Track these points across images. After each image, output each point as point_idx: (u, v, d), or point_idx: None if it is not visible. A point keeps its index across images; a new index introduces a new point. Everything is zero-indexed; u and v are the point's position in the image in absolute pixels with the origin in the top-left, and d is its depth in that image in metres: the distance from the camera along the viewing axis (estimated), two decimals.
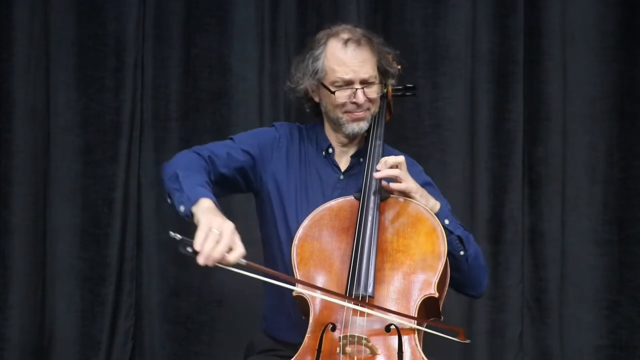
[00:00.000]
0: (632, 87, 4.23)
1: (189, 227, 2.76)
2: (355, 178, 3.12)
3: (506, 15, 4.29)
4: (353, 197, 2.96)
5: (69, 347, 4.33)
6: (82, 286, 4.34)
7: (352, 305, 2.74)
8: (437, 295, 2.79)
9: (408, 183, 2.94)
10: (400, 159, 2.96)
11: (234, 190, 3.12)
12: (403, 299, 2.79)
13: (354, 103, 3.06)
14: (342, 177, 3.15)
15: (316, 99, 3.15)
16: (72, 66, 4.35)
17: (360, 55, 3.05)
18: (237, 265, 2.62)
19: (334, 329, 2.77)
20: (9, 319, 4.23)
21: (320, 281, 2.85)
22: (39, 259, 4.30)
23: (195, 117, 4.38)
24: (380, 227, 2.87)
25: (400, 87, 3.23)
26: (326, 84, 3.07)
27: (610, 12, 4.25)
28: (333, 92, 3.05)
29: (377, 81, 3.08)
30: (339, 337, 2.71)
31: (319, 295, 2.77)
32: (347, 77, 3.04)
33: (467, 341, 2.86)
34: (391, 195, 2.95)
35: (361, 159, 3.13)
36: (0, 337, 4.23)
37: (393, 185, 2.93)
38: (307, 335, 2.79)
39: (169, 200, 2.85)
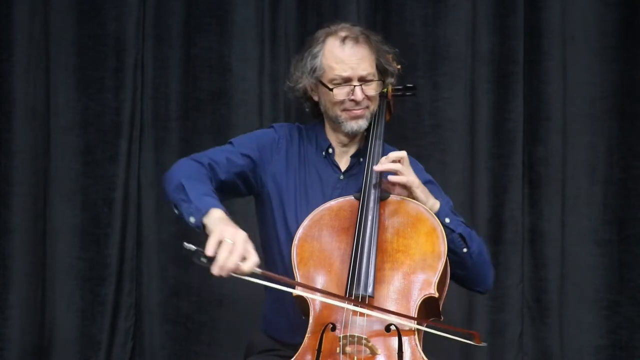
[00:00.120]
0: (632, 87, 4.23)
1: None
2: (355, 178, 3.11)
3: (506, 15, 4.29)
4: (353, 197, 2.96)
5: (69, 347, 4.34)
6: (82, 286, 4.34)
7: (358, 309, 2.73)
8: (437, 295, 2.79)
9: (409, 176, 2.93)
10: (403, 153, 2.97)
11: (235, 195, 3.12)
12: (403, 298, 2.79)
13: (352, 100, 3.06)
14: (342, 177, 3.14)
15: (315, 98, 3.15)
16: (72, 66, 4.35)
17: (359, 53, 3.05)
18: (252, 274, 2.64)
19: (334, 329, 2.77)
20: (9, 319, 4.24)
21: (320, 281, 2.85)
22: (39, 259, 4.30)
23: (195, 117, 4.38)
24: (380, 227, 2.87)
25: (400, 87, 3.22)
26: (324, 81, 3.07)
27: (610, 12, 4.25)
28: (331, 90, 3.05)
29: (375, 79, 3.07)
30: (339, 337, 2.71)
31: (329, 301, 2.76)
32: (345, 74, 3.04)
33: (483, 344, 2.85)
34: (391, 195, 2.95)
35: (361, 159, 3.12)
36: (0, 337, 4.23)
37: (394, 178, 2.92)
38: (307, 335, 2.79)
39: (176, 211, 2.84)
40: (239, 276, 2.64)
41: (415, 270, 2.82)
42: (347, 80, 3.05)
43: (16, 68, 4.26)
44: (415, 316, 2.76)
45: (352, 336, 2.69)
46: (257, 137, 3.19)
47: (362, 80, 3.05)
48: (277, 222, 3.09)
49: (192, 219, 2.76)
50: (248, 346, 3.22)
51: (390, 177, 2.94)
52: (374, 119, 3.11)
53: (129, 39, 4.36)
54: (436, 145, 4.30)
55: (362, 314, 2.74)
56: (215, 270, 2.60)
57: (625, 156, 4.24)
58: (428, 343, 2.81)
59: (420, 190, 2.95)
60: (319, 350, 2.74)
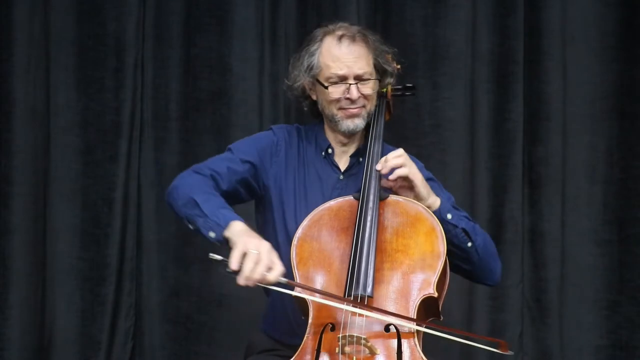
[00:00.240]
0: (632, 87, 4.23)
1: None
2: (355, 178, 3.11)
3: (506, 15, 4.29)
4: (352, 197, 2.96)
5: (69, 347, 4.34)
6: (82, 286, 4.34)
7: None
8: (436, 295, 2.79)
9: (411, 168, 2.94)
10: (400, 151, 2.97)
11: (237, 202, 3.09)
12: (402, 298, 2.79)
13: (348, 99, 3.05)
14: (341, 177, 3.14)
15: (314, 97, 3.15)
16: (72, 66, 4.35)
17: (355, 51, 3.05)
18: (277, 283, 2.68)
19: (333, 329, 2.76)
20: (9, 319, 4.24)
21: (319, 281, 2.84)
22: (39, 259, 4.30)
23: (195, 117, 4.38)
24: (379, 227, 2.87)
25: (399, 86, 3.22)
26: (321, 79, 3.07)
27: (610, 12, 4.25)
28: (326, 88, 3.05)
29: (372, 78, 3.07)
30: (338, 337, 2.71)
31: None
32: (340, 72, 3.04)
33: (510, 353, 2.84)
34: (390, 195, 2.95)
35: (360, 159, 3.12)
36: (0, 337, 4.23)
37: (397, 171, 2.92)
38: (306, 335, 2.78)
39: (190, 227, 2.86)
40: (265, 286, 2.70)
41: (415, 270, 2.82)
42: (343, 79, 3.05)
43: (16, 68, 4.26)
44: (415, 316, 2.76)
45: (351, 336, 2.69)
46: (255, 141, 3.18)
47: (359, 78, 3.05)
48: (277, 223, 3.09)
49: (212, 234, 2.78)
50: (248, 346, 3.22)
51: (395, 172, 2.93)
52: (373, 119, 3.10)
53: (129, 39, 4.36)
54: (436, 145, 4.30)
55: (361, 314, 2.74)
56: (242, 281, 2.65)
57: (625, 156, 4.24)
58: (428, 343, 2.81)
59: (422, 185, 2.95)
60: (318, 351, 2.74)
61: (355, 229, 2.86)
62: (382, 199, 2.92)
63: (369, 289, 2.76)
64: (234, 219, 2.78)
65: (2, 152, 4.25)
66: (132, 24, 4.36)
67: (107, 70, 4.36)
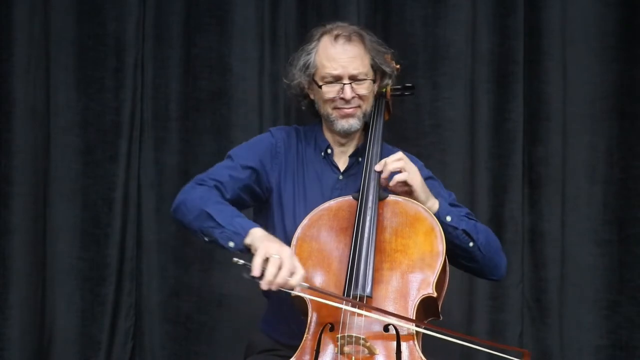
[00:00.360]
0: (632, 87, 4.23)
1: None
2: (355, 178, 3.10)
3: (506, 15, 4.29)
4: (351, 197, 2.95)
5: (69, 347, 4.34)
6: (82, 286, 4.35)
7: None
8: (435, 295, 2.79)
9: (410, 173, 2.93)
10: (400, 154, 2.97)
11: (242, 209, 3.09)
12: (401, 298, 2.79)
13: (342, 99, 3.05)
14: (341, 177, 3.14)
15: (311, 96, 3.15)
16: (72, 66, 4.35)
17: (350, 51, 3.05)
18: (299, 288, 2.71)
19: (332, 329, 2.77)
20: (9, 319, 4.24)
21: (318, 281, 2.84)
22: (39, 259, 4.30)
23: (195, 117, 4.38)
24: (378, 227, 2.87)
25: (399, 86, 3.22)
26: (316, 79, 3.07)
27: (610, 12, 4.25)
28: (320, 87, 3.05)
29: (368, 78, 3.06)
30: (337, 337, 2.71)
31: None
32: (335, 72, 3.04)
33: None
34: (390, 195, 2.95)
35: (360, 159, 3.12)
36: (0, 337, 4.23)
37: (396, 177, 2.92)
38: (305, 335, 2.79)
39: (205, 239, 2.87)
40: (287, 290, 2.72)
41: (414, 270, 2.82)
42: (337, 79, 3.04)
43: (16, 68, 4.26)
44: (414, 316, 2.76)
45: (350, 336, 2.69)
46: (254, 145, 3.17)
47: (353, 78, 3.04)
48: (276, 223, 3.09)
49: (231, 244, 2.80)
50: (248, 346, 3.22)
51: (394, 177, 2.93)
52: (372, 119, 3.10)
53: (129, 39, 4.37)
54: (436, 145, 4.30)
55: (359, 315, 2.74)
56: (264, 285, 2.67)
57: (625, 156, 4.24)
58: (427, 343, 2.81)
59: (421, 189, 2.95)
60: (317, 351, 2.74)
61: (354, 229, 2.86)
62: (381, 199, 2.92)
63: (368, 289, 2.76)
64: (252, 226, 2.80)
65: (2, 152, 4.25)
66: (132, 24, 4.36)
67: (107, 70, 4.36)
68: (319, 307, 2.79)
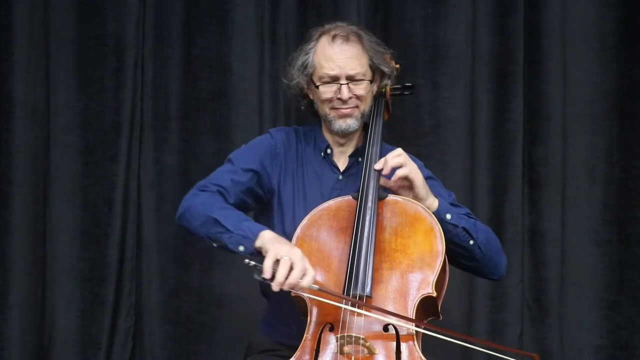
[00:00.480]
0: (632, 87, 4.23)
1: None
2: (354, 178, 3.10)
3: (506, 15, 4.29)
4: (351, 197, 2.95)
5: (69, 347, 4.34)
6: (82, 286, 4.35)
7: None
8: (435, 294, 2.79)
9: (412, 168, 2.93)
10: (399, 150, 2.97)
11: (244, 212, 3.09)
12: (401, 298, 2.79)
13: (340, 99, 3.05)
14: (340, 177, 3.14)
15: (311, 96, 3.15)
16: (72, 66, 4.35)
17: (348, 51, 3.04)
18: (309, 289, 2.71)
19: (332, 329, 2.77)
20: (9, 319, 4.24)
21: (318, 281, 2.85)
22: (39, 259, 4.30)
23: (195, 117, 4.38)
24: (378, 227, 2.87)
25: (398, 86, 3.22)
26: (314, 79, 3.07)
27: (610, 12, 4.25)
28: (317, 87, 3.06)
29: (366, 78, 3.06)
30: (337, 337, 2.71)
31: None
32: (332, 72, 3.04)
33: None
34: (389, 195, 2.95)
35: (359, 159, 3.12)
36: (0, 337, 4.23)
37: (398, 171, 2.92)
38: (305, 335, 2.79)
39: (214, 245, 2.87)
40: (297, 292, 2.73)
41: (413, 269, 2.82)
42: (335, 79, 3.04)
43: (16, 68, 4.26)
44: (414, 316, 2.76)
45: (350, 336, 2.69)
46: (254, 147, 3.17)
47: (351, 79, 3.04)
48: (275, 224, 3.08)
49: (241, 248, 2.79)
50: (248, 346, 3.22)
51: (395, 173, 2.93)
52: (371, 119, 3.10)
53: (129, 39, 4.37)
54: (436, 145, 4.30)
55: (359, 314, 2.74)
56: (276, 287, 2.68)
57: (625, 156, 4.24)
58: (427, 343, 2.81)
59: (422, 185, 2.95)
60: (317, 351, 2.74)
61: (354, 228, 2.86)
62: (381, 198, 2.92)
63: (367, 289, 2.76)
64: (261, 228, 2.81)
65: (2, 152, 4.26)
66: (132, 24, 4.37)
67: (107, 70, 4.36)
68: (319, 306, 2.79)
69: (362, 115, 3.09)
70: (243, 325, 4.09)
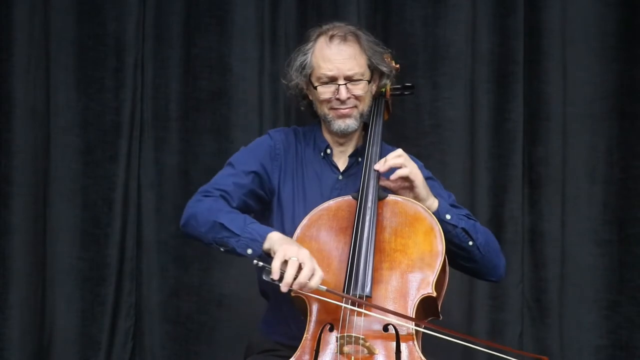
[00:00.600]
0: (632, 87, 4.23)
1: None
2: (354, 178, 3.10)
3: (506, 15, 4.29)
4: (351, 197, 2.95)
5: (69, 347, 4.34)
6: (82, 286, 4.35)
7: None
8: (434, 294, 2.79)
9: (412, 169, 2.93)
10: (400, 151, 2.97)
11: (247, 214, 3.09)
12: (401, 298, 2.78)
13: (338, 99, 3.05)
14: (340, 177, 3.14)
15: (310, 97, 3.15)
16: (72, 66, 4.35)
17: (345, 52, 3.04)
18: (317, 290, 2.71)
19: (332, 329, 2.77)
20: (9, 319, 4.24)
21: None
22: (39, 259, 4.30)
23: (195, 117, 4.38)
24: (378, 227, 2.87)
25: (398, 86, 3.22)
26: (312, 79, 3.08)
27: (610, 12, 4.25)
28: (315, 88, 3.06)
29: (364, 78, 3.06)
30: (337, 337, 2.71)
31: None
32: (330, 73, 3.04)
33: None
34: (389, 195, 2.95)
35: (359, 159, 3.12)
36: (0, 337, 4.23)
37: (398, 171, 2.92)
38: (305, 335, 2.79)
39: (221, 249, 2.87)
40: (305, 293, 2.73)
41: (413, 269, 2.82)
42: (333, 79, 3.04)
43: (16, 68, 4.26)
44: (413, 316, 2.76)
45: (350, 336, 2.69)
46: (254, 149, 3.17)
47: (349, 79, 3.04)
48: (275, 225, 3.07)
49: (249, 251, 2.80)
50: (248, 346, 3.22)
51: (395, 172, 2.93)
52: (371, 119, 3.10)
53: (129, 39, 4.37)
54: (436, 145, 4.30)
55: (359, 314, 2.74)
56: (284, 288, 2.68)
57: (625, 156, 4.24)
58: (427, 343, 2.81)
59: (422, 185, 2.95)
60: (317, 351, 2.74)
61: (353, 228, 2.86)
62: (380, 198, 2.92)
63: (367, 289, 2.76)
64: (269, 230, 2.81)
65: (2, 152, 4.26)
66: (132, 24, 4.36)
67: (107, 70, 4.36)
68: (319, 306, 2.79)
69: (361, 115, 3.09)
70: (243, 325, 4.09)
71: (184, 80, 4.39)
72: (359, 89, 3.05)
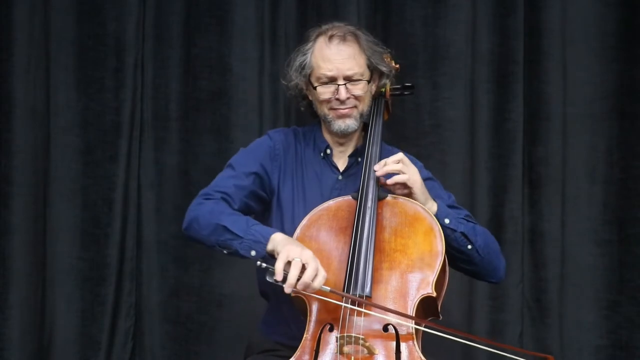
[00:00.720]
0: (632, 87, 4.23)
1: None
2: (354, 178, 3.10)
3: (506, 15, 4.29)
4: (351, 197, 2.95)
5: (69, 347, 4.34)
6: (82, 286, 4.35)
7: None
8: (434, 294, 2.79)
9: (410, 175, 2.93)
10: (400, 155, 2.96)
11: (248, 215, 3.09)
12: (401, 298, 2.79)
13: (338, 99, 3.05)
14: (340, 177, 3.14)
15: (310, 97, 3.15)
16: (72, 66, 4.35)
17: (345, 52, 3.05)
18: (321, 291, 2.71)
19: (331, 329, 2.77)
20: (9, 319, 4.24)
21: None
22: (39, 259, 4.30)
23: (195, 117, 4.38)
24: (377, 227, 2.87)
25: (398, 86, 3.22)
26: (312, 80, 3.08)
27: (610, 12, 4.25)
28: (315, 88, 3.06)
29: (363, 78, 3.06)
30: (337, 337, 2.71)
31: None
32: (329, 73, 3.04)
33: None
34: (389, 195, 2.95)
35: (359, 159, 3.12)
36: (0, 337, 4.23)
37: (396, 177, 2.92)
38: (305, 335, 2.79)
39: (225, 252, 2.87)
40: (309, 294, 2.73)
41: (413, 269, 2.82)
42: (332, 79, 3.05)
43: (16, 68, 4.26)
44: (413, 316, 2.76)
45: (350, 336, 2.70)
46: (253, 150, 3.17)
47: (348, 79, 3.04)
48: (275, 225, 3.07)
49: (253, 253, 2.80)
50: (248, 346, 3.22)
51: (394, 177, 2.92)
52: (371, 119, 3.10)
53: (129, 39, 4.37)
54: (436, 145, 4.30)
55: (359, 314, 2.74)
56: (288, 289, 2.68)
57: (625, 156, 4.24)
58: (427, 343, 2.81)
59: (420, 192, 2.95)
60: (317, 351, 2.74)
61: (353, 228, 2.86)
62: (380, 198, 2.92)
63: (367, 289, 2.77)
64: (272, 231, 2.82)
65: (2, 152, 4.25)
66: (132, 24, 4.37)
67: (107, 70, 4.36)
68: (318, 306, 2.79)
69: (361, 115, 3.09)
70: (243, 325, 4.10)
71: (184, 80, 4.39)
72: (359, 89, 3.05)
